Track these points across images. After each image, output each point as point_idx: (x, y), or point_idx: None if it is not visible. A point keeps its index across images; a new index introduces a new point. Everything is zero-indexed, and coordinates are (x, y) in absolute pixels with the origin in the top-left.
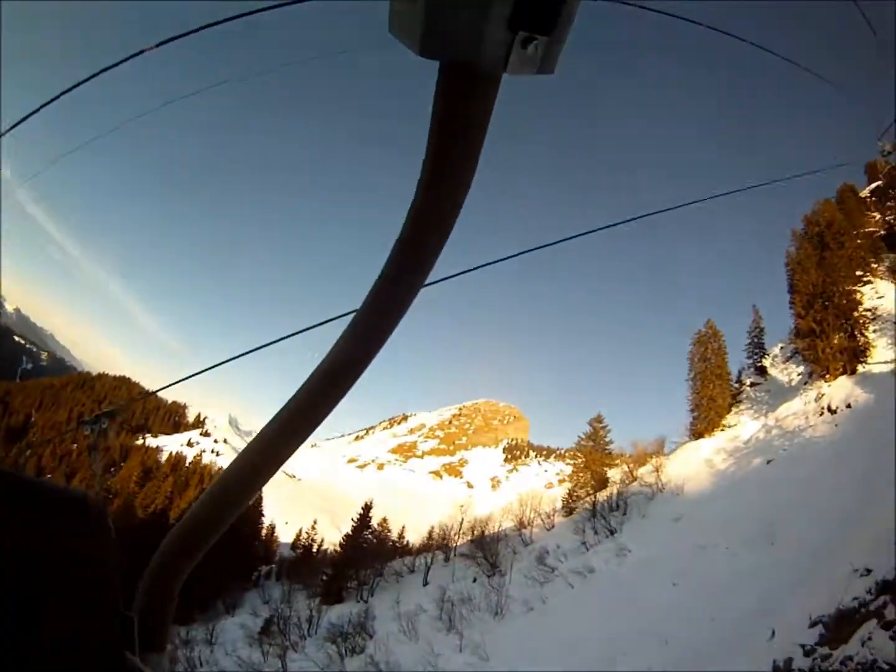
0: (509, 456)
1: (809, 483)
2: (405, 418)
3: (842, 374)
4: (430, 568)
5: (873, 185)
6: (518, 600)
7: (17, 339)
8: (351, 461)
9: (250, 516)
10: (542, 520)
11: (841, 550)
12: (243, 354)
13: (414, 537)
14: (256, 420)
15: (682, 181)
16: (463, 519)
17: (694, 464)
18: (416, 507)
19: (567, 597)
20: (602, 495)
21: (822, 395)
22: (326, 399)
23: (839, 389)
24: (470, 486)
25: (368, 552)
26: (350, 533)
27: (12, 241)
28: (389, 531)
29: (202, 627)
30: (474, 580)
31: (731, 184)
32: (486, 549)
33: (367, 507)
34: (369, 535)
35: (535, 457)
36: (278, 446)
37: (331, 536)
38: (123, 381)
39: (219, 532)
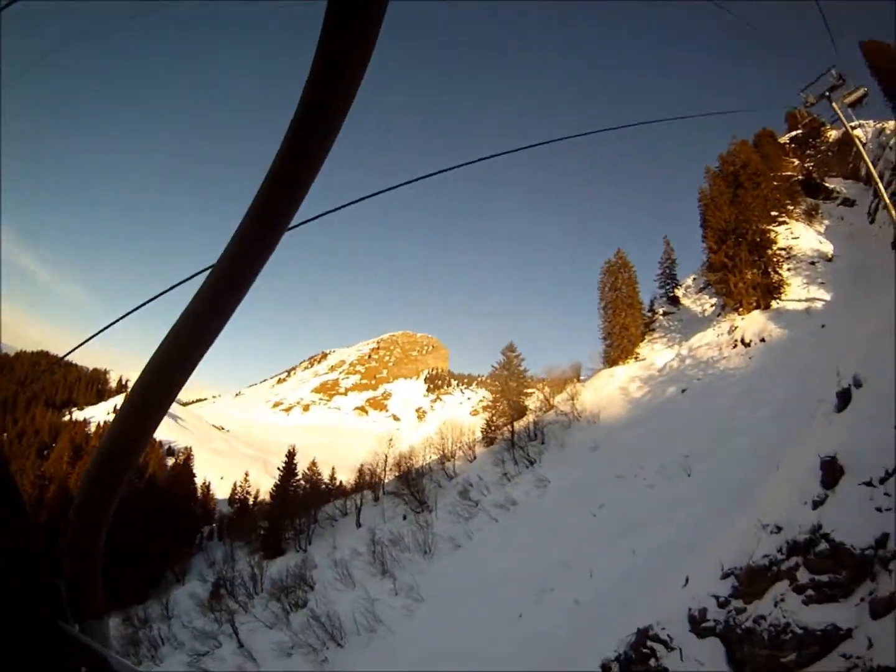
0: (431, 386)
1: (724, 415)
2: (325, 356)
3: (755, 308)
4: (361, 509)
5: (793, 133)
6: (445, 538)
7: None
8: (276, 405)
9: (182, 478)
10: (463, 452)
11: (753, 496)
12: (149, 301)
13: (346, 475)
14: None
15: (598, 104)
16: (387, 456)
17: (609, 392)
18: (345, 445)
19: (492, 531)
20: (520, 424)
21: (736, 327)
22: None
23: (752, 323)
24: (396, 418)
25: (300, 500)
26: (278, 483)
27: None
28: (320, 474)
29: (157, 603)
30: (404, 517)
31: (647, 112)
32: (411, 485)
33: (291, 455)
34: (301, 482)
35: (458, 385)
36: (176, 363)
37: (266, 485)
38: (42, 356)
39: (130, 466)
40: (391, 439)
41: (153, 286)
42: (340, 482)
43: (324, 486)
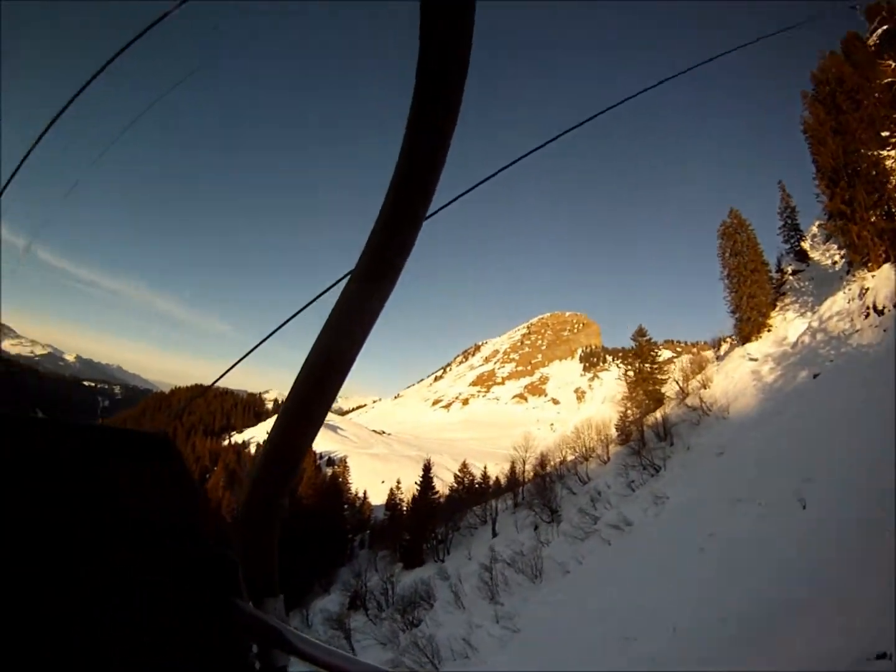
0: (587, 364)
1: (855, 415)
2: (478, 348)
3: (885, 261)
4: (497, 518)
5: (881, 30)
6: (556, 561)
7: (86, 384)
8: (435, 403)
9: (335, 488)
10: (600, 450)
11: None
12: (291, 318)
13: (506, 468)
14: (345, 382)
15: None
16: (524, 460)
17: (741, 376)
18: (506, 436)
19: (601, 557)
20: (650, 421)
21: (866, 289)
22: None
23: (884, 282)
24: (555, 402)
25: (442, 507)
26: (416, 495)
27: (46, 296)
28: (472, 476)
29: (298, 612)
30: (535, 528)
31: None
32: (545, 491)
33: (427, 468)
34: (437, 492)
35: (613, 360)
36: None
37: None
38: (196, 389)
39: (303, 453)
40: (552, 423)
41: (291, 304)
42: (496, 479)
43: (478, 485)
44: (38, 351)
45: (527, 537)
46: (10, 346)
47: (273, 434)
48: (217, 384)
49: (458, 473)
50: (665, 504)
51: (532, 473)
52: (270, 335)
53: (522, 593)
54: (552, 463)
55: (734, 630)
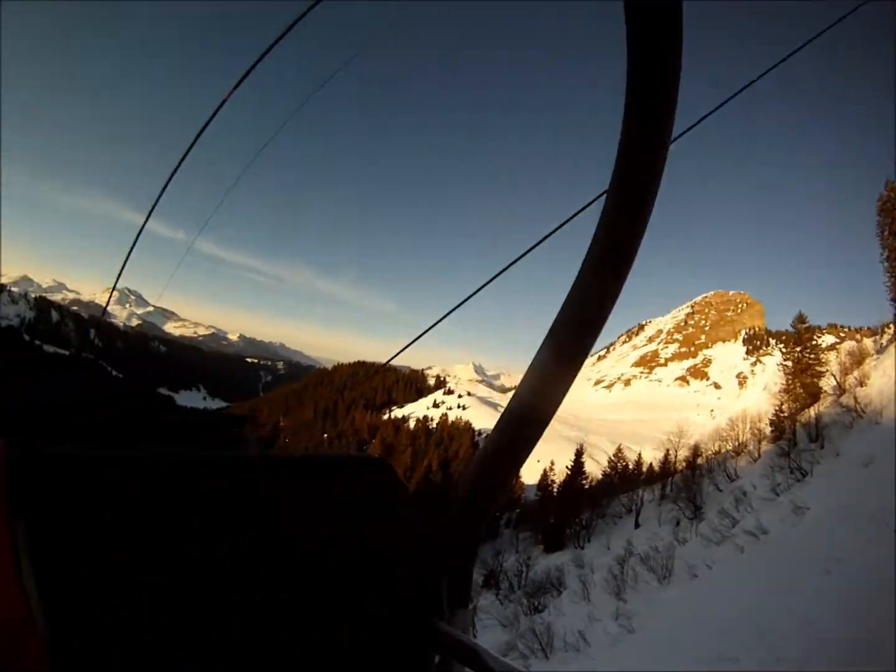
0: (750, 347)
1: None
2: (642, 328)
3: None
4: (641, 509)
5: None
6: (689, 562)
7: (248, 360)
8: (597, 383)
9: None
10: (751, 446)
11: None
12: (460, 304)
13: (657, 456)
14: (504, 358)
15: None
16: (676, 449)
17: None
18: (666, 419)
19: (731, 565)
20: (803, 418)
21: None
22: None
23: None
24: (717, 386)
25: (589, 493)
26: (566, 479)
27: (210, 283)
28: (625, 461)
29: None
30: (677, 524)
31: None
32: (690, 487)
33: (579, 453)
34: (609, 476)
35: (776, 344)
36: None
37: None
38: (359, 366)
39: (516, 469)
40: (712, 410)
41: (461, 284)
42: (649, 466)
43: (631, 471)
44: (202, 332)
45: (666, 533)
46: (173, 328)
47: (488, 445)
48: (373, 361)
49: (612, 458)
50: (804, 515)
51: (684, 464)
52: (448, 314)
53: (648, 593)
54: (704, 455)
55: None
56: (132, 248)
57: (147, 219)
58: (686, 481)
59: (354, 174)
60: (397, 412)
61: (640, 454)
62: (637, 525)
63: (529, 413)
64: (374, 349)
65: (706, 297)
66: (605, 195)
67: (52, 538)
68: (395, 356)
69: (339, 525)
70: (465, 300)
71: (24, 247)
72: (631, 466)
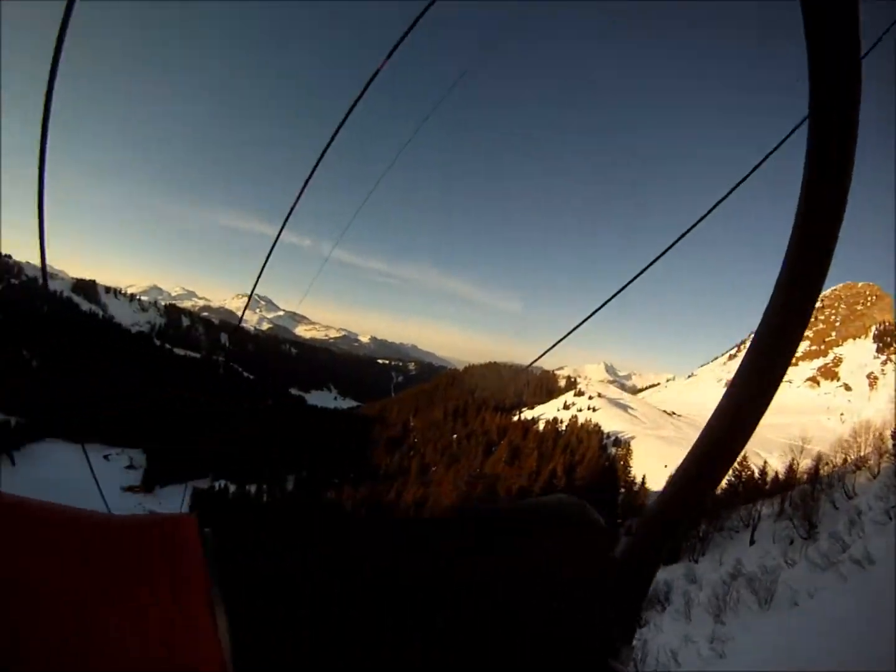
0: (881, 344)
1: None
2: None
3: None
4: (759, 523)
5: None
6: (793, 587)
7: (380, 361)
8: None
9: (612, 472)
10: (872, 461)
11: None
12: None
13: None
14: (637, 357)
15: None
16: (798, 461)
17: None
18: (797, 424)
19: (832, 596)
20: None
21: None
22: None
23: None
24: (847, 388)
25: (708, 504)
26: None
27: (341, 287)
28: (749, 470)
29: None
30: (790, 543)
31: None
32: (807, 503)
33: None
34: (732, 485)
35: None
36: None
37: None
38: (491, 367)
39: (713, 487)
40: (842, 413)
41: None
42: (774, 476)
43: (755, 480)
44: (333, 334)
45: (778, 552)
46: (304, 332)
47: (677, 475)
48: (509, 360)
49: (736, 466)
50: None
51: (805, 476)
52: (593, 314)
53: (747, 617)
54: (827, 467)
55: None
56: (268, 256)
57: (282, 228)
58: (804, 496)
59: (478, 172)
60: (527, 414)
61: (765, 463)
62: (752, 541)
63: (725, 437)
64: (502, 348)
65: (835, 289)
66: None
67: (246, 604)
68: (539, 358)
69: (548, 564)
70: (610, 299)
71: (153, 258)
72: (757, 474)
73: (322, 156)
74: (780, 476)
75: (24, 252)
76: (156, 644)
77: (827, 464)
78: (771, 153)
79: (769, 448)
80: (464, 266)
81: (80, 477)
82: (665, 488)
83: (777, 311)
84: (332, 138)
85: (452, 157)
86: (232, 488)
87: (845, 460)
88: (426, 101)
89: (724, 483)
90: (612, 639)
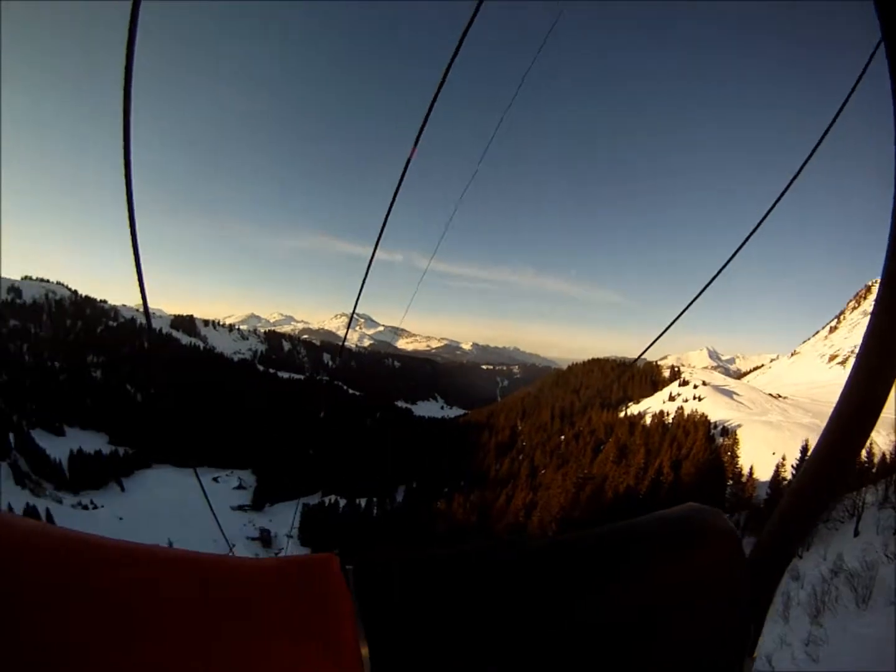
0: None
1: None
2: (868, 290)
3: None
4: (862, 514)
5: None
6: (890, 585)
7: (483, 367)
8: (832, 359)
9: (719, 463)
10: None
11: None
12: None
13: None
14: (739, 339)
15: None
16: None
17: None
18: None
19: None
20: None
21: None
22: None
23: None
24: None
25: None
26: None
27: (442, 297)
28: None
29: None
30: (894, 533)
31: None
32: None
33: (804, 449)
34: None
35: None
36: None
37: None
38: (594, 363)
39: (836, 490)
40: None
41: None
42: (881, 458)
43: (864, 465)
44: (434, 344)
45: (879, 544)
46: (405, 344)
47: (803, 475)
48: (613, 354)
49: None
50: None
51: None
52: (686, 309)
53: (844, 617)
54: None
55: None
56: (365, 276)
57: (375, 247)
58: None
59: (564, 165)
60: (633, 408)
61: (871, 444)
62: (857, 533)
63: (854, 419)
64: (605, 343)
65: None
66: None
67: (392, 644)
68: (644, 353)
69: (670, 575)
70: (710, 283)
71: (248, 288)
72: (862, 461)
73: (403, 174)
74: (887, 458)
75: (118, 296)
76: None
77: None
78: (852, 92)
79: (880, 426)
80: (559, 263)
81: (188, 498)
82: (795, 480)
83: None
84: (411, 154)
85: (535, 154)
86: (342, 503)
87: None
88: (504, 96)
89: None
90: (741, 648)
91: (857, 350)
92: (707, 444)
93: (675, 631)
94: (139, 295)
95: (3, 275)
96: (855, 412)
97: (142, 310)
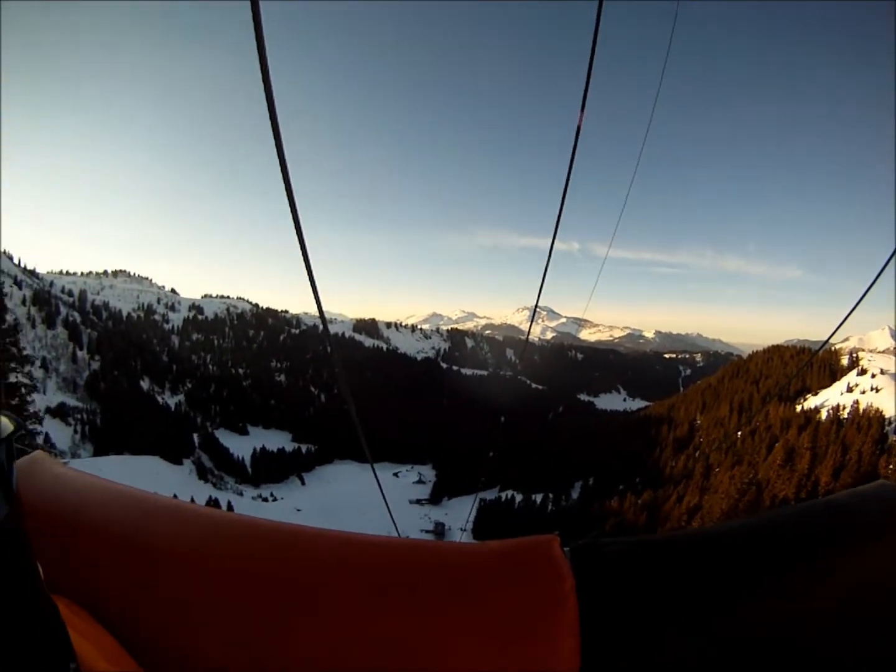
0: None
1: None
2: None
3: None
4: None
5: None
6: None
7: (666, 356)
8: None
9: (883, 470)
10: None
11: None
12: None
13: None
14: None
15: None
16: None
17: None
18: None
19: None
20: None
21: None
22: None
23: None
24: None
25: None
26: None
27: (623, 284)
28: None
29: None
30: None
31: None
32: None
33: None
34: None
35: None
36: None
37: None
38: (775, 351)
39: None
40: None
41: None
42: None
43: None
44: (617, 334)
45: None
46: (588, 335)
47: None
48: (795, 337)
49: None
50: None
51: None
52: (869, 289)
53: None
54: None
55: None
56: (546, 267)
57: (554, 237)
58: None
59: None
60: (811, 401)
61: None
62: None
63: None
64: (787, 325)
65: None
66: None
67: (609, 625)
68: (824, 345)
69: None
70: (893, 256)
71: (428, 289)
72: None
73: (571, 163)
74: None
75: (299, 306)
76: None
77: None
78: None
79: None
80: (736, 241)
81: (366, 492)
82: None
83: None
84: (575, 144)
85: (706, 128)
86: (518, 498)
87: None
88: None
89: None
90: None
91: None
92: (875, 448)
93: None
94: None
95: (184, 295)
96: None
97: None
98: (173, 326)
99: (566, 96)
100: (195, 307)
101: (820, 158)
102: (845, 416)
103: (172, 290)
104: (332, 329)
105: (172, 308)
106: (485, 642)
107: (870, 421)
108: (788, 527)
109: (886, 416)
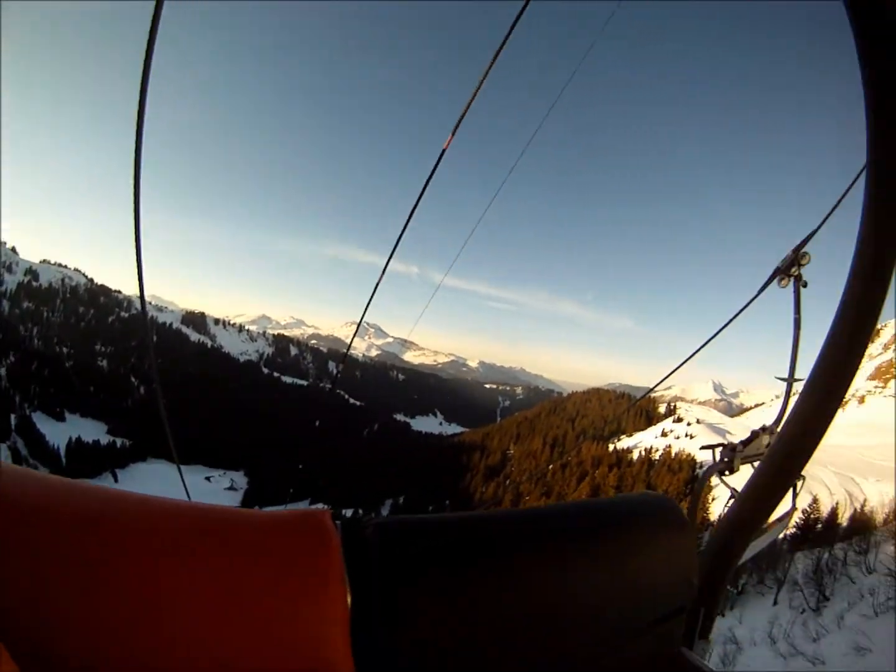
0: None
1: None
2: (877, 333)
3: None
4: (783, 585)
5: None
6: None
7: (487, 386)
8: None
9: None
10: None
11: None
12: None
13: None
14: (746, 373)
15: None
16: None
17: None
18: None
19: None
20: None
21: None
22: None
23: None
24: None
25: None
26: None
27: (453, 312)
28: (817, 514)
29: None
30: (802, 612)
31: None
32: (830, 567)
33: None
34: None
35: None
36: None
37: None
38: (594, 393)
39: (770, 510)
40: None
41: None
42: (849, 521)
43: (828, 526)
44: (441, 359)
45: (785, 619)
46: (412, 357)
47: (753, 480)
48: (616, 382)
49: (807, 508)
50: (864, 657)
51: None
52: (700, 349)
53: None
54: (876, 522)
55: None
56: (376, 287)
57: (390, 256)
58: (831, 559)
59: (585, 194)
60: (625, 441)
61: (836, 503)
62: (775, 602)
63: (792, 449)
64: (613, 369)
65: None
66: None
67: (370, 591)
68: (648, 392)
69: (634, 557)
70: (729, 322)
71: (263, 289)
72: (821, 517)
73: (425, 187)
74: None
75: (133, 286)
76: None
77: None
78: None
79: (873, 475)
80: (574, 287)
81: (178, 494)
82: (742, 492)
83: (847, 318)
84: (434, 169)
85: (557, 180)
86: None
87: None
88: (532, 118)
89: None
90: (691, 630)
91: (856, 393)
92: (687, 487)
93: (631, 598)
94: (155, 286)
95: (22, 256)
96: (801, 432)
97: (155, 302)
98: (7, 290)
99: (436, 119)
100: (31, 272)
101: (665, 225)
102: (657, 457)
103: (13, 250)
104: (161, 318)
105: (9, 269)
106: (259, 599)
107: (681, 464)
108: (557, 518)
109: (698, 460)
